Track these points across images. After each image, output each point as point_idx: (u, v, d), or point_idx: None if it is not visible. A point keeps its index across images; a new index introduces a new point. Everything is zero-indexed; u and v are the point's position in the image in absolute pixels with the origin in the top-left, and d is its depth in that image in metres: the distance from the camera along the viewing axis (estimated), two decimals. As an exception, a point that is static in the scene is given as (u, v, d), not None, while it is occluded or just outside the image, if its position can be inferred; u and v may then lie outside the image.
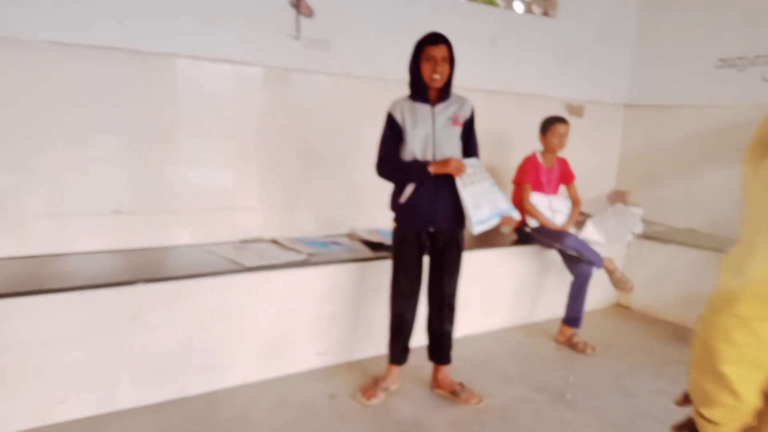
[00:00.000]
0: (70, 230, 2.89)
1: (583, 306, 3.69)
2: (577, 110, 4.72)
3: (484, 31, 4.20)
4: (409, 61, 2.65)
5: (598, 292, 4.21)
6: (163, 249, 3.10)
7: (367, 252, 3.31)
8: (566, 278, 3.82)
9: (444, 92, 2.66)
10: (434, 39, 2.57)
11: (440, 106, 2.66)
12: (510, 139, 4.44)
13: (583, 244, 3.63)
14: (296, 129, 3.50)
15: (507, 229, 3.70)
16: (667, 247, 4.29)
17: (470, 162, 2.68)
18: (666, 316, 4.26)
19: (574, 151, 4.00)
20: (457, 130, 2.69)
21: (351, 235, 3.70)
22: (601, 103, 4.98)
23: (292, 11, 3.31)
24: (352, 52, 3.60)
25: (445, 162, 2.59)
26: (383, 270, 3.15)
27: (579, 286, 3.67)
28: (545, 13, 4.58)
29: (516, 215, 2.78)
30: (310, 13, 3.35)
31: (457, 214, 2.70)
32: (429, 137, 2.64)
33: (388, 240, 3.41)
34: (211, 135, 3.24)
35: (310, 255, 3.11)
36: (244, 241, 3.35)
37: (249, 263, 2.84)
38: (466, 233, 2.80)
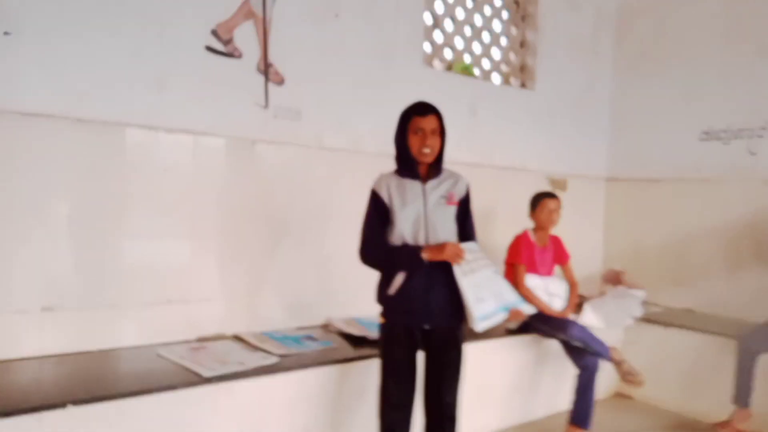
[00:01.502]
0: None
1: (593, 403, 3.26)
2: (560, 184, 4.49)
3: (462, 101, 3.98)
4: (395, 133, 2.34)
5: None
6: (102, 353, 2.55)
7: (347, 349, 2.84)
8: (565, 368, 3.43)
9: (435, 167, 2.34)
10: (422, 109, 2.29)
11: (432, 183, 2.33)
12: (493, 214, 4.14)
13: (589, 333, 3.26)
14: (262, 206, 3.09)
15: (514, 325, 3.31)
16: (667, 330, 3.97)
17: (469, 247, 2.31)
18: (670, 407, 3.86)
19: (555, 227, 3.70)
20: (452, 210, 2.35)
21: (327, 327, 3.23)
22: (582, 176, 4.78)
23: (260, 78, 2.98)
24: (325, 121, 3.28)
25: (441, 247, 2.22)
26: (367, 371, 2.69)
27: (586, 380, 3.25)
28: (523, 85, 4.43)
29: (527, 309, 2.39)
30: (280, 81, 3.03)
31: (455, 307, 2.30)
32: (420, 218, 2.28)
33: (371, 332, 2.98)
34: (163, 214, 2.80)
35: (282, 356, 2.62)
36: (202, 339, 2.83)
37: (208, 372, 2.32)
38: (466, 329, 2.38)
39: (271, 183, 3.11)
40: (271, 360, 2.55)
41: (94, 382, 2.22)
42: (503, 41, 4.34)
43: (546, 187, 4.34)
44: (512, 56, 4.40)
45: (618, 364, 3.43)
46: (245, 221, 3.04)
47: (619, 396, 4.16)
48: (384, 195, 2.31)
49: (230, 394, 2.35)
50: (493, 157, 4.15)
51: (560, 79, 4.56)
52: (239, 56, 2.93)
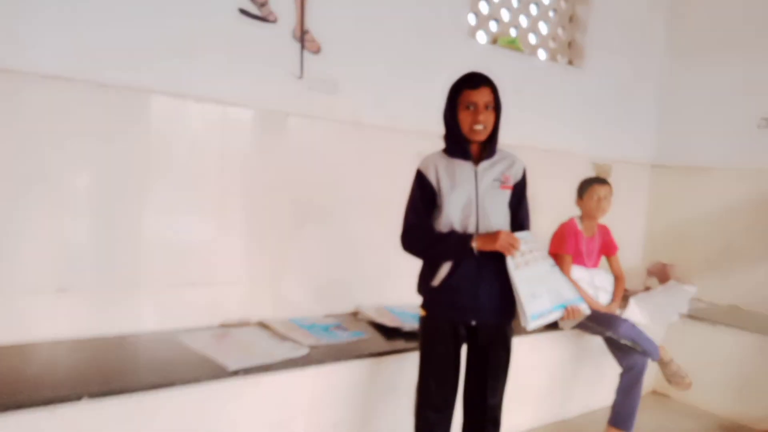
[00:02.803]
0: (-6, 315, 2.18)
1: (637, 405, 3.03)
2: (604, 170, 4.20)
3: (506, 78, 3.67)
4: (444, 108, 2.11)
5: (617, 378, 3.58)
6: (120, 339, 2.38)
7: (380, 342, 2.65)
8: (603, 365, 3.26)
9: (488, 147, 2.10)
10: (474, 81, 2.05)
11: (484, 164, 2.10)
12: (535, 200, 3.87)
13: (639, 331, 3.02)
14: (291, 184, 2.88)
15: (569, 324, 3.09)
16: (714, 328, 3.72)
17: (524, 237, 2.08)
18: (711, 408, 3.64)
19: (604, 216, 3.45)
20: (506, 195, 2.12)
21: (356, 315, 3.04)
22: (627, 162, 4.49)
23: (295, 45, 2.75)
24: (362, 96, 3.05)
25: (494, 236, 2.00)
26: (401, 366, 2.51)
27: (631, 380, 3.02)
28: (570, 62, 4.13)
29: (585, 308, 2.15)
30: (316, 49, 2.79)
31: (505, 303, 2.09)
32: (471, 202, 2.06)
33: (405, 323, 2.79)
34: (187, 190, 2.60)
35: (311, 347, 2.43)
36: (225, 326, 2.65)
37: (233, 365, 2.13)
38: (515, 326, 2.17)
39: (301, 159, 2.89)
40: (301, 352, 2.36)
41: (111, 372, 2.05)
42: (551, 15, 4.04)
43: (590, 173, 4.09)
44: (560, 31, 4.10)
45: (665, 364, 3.22)
46: (273, 199, 2.83)
47: (655, 394, 3.95)
48: (431, 176, 2.10)
49: (257, 389, 2.17)
50: (536, 139, 3.88)
51: (610, 58, 4.25)
52: (274, 21, 2.69)
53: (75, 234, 2.35)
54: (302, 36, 2.74)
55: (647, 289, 3.88)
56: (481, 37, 3.65)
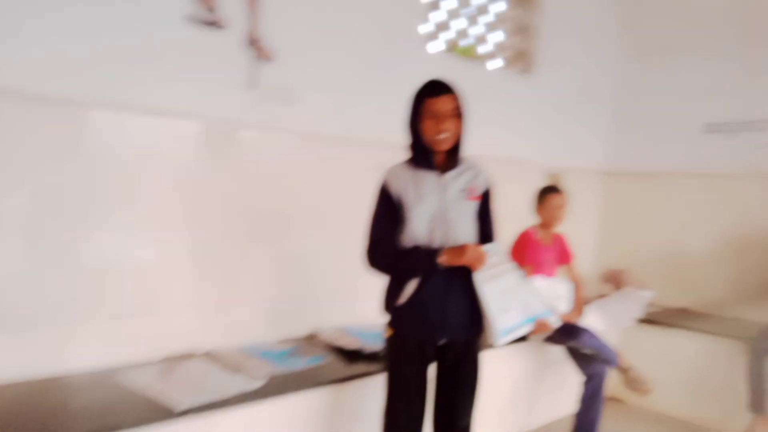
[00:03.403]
0: None
1: (600, 413, 3.03)
2: (557, 178, 4.22)
3: (463, 86, 3.64)
4: (408, 117, 2.02)
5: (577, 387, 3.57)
6: (51, 382, 2.13)
7: (341, 366, 2.51)
8: (564, 375, 3.28)
9: (453, 156, 2.03)
10: (436, 89, 1.98)
11: (450, 174, 2.03)
12: (491, 210, 3.84)
13: (600, 340, 3.01)
14: (243, 201, 2.70)
15: (538, 338, 3.03)
16: (667, 331, 3.77)
17: (492, 249, 2.01)
18: (668, 411, 3.68)
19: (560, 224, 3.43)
20: (472, 206, 2.05)
21: (313, 338, 2.88)
22: (579, 169, 4.52)
23: (247, 53, 2.57)
24: (319, 106, 2.90)
25: (461, 250, 1.92)
26: (365, 391, 2.39)
27: (594, 388, 3.03)
28: (524, 71, 4.11)
29: (554, 321, 2.09)
30: (269, 58, 2.62)
31: (473, 318, 2.01)
32: (438, 215, 1.98)
33: (365, 344, 2.65)
34: (128, 211, 2.38)
35: (266, 378, 2.25)
36: (171, 359, 2.44)
37: (182, 404, 1.94)
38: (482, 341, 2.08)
39: (255, 174, 2.72)
40: (256, 383, 2.18)
41: (40, 421, 1.81)
42: (504, 24, 4.01)
43: (544, 181, 4.08)
44: (513, 40, 4.07)
45: (625, 371, 3.22)
46: (222, 218, 2.64)
47: (611, 400, 3.95)
48: (395, 189, 2.00)
49: (210, 429, 1.99)
50: (491, 147, 3.82)
51: (562, 66, 4.27)
52: (223, 27, 2.51)
53: (1, 261, 2.09)
54: (254, 43, 2.57)
55: (602, 295, 3.90)
56: (438, 45, 3.57)
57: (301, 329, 2.93)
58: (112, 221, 2.34)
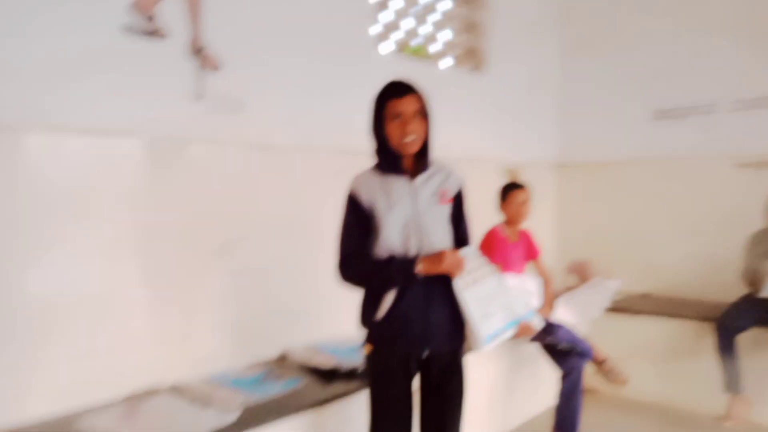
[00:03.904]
0: None
1: (581, 407, 3.00)
2: (515, 174, 4.21)
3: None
4: (371, 122, 1.92)
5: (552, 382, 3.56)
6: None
7: (318, 388, 2.37)
8: (539, 371, 3.28)
9: (422, 158, 1.94)
10: (399, 90, 1.89)
11: (420, 178, 1.94)
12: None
13: (574, 333, 2.99)
14: (196, 219, 2.52)
15: (523, 342, 2.96)
16: (635, 318, 3.81)
17: (469, 253, 1.94)
18: (643, 397, 3.71)
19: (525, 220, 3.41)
20: (445, 210, 1.97)
21: (285, 360, 2.73)
22: (533, 163, 4.53)
23: (191, 63, 2.41)
24: (271, 115, 2.76)
25: (439, 257, 1.83)
26: (346, 411, 2.27)
27: (572, 383, 3.00)
28: (475, 68, 4.08)
29: (537, 322, 2.04)
30: (215, 66, 2.47)
31: (456, 326, 1.93)
32: (410, 221, 1.88)
33: (342, 361, 2.53)
34: (70, 238, 2.17)
35: (241, 408, 2.10)
36: (134, 398, 2.24)
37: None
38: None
39: (207, 191, 2.55)
40: (231, 416, 2.02)
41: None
42: (452, 22, 3.97)
43: (502, 177, 4.07)
44: (462, 38, 4.04)
45: (601, 363, 3.22)
46: (175, 240, 2.45)
47: (585, 392, 3.98)
48: (364, 198, 1.89)
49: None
50: (448, 147, 3.77)
51: (511, 62, 4.28)
52: (164, 37, 2.34)
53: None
54: (199, 52, 2.41)
55: (570, 288, 3.91)
56: (389, 46, 3.49)
57: (271, 351, 2.78)
58: (56, 252, 2.13)
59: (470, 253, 1.94)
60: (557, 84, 4.72)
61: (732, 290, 3.46)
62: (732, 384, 3.18)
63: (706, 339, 3.38)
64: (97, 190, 2.23)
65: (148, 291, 2.38)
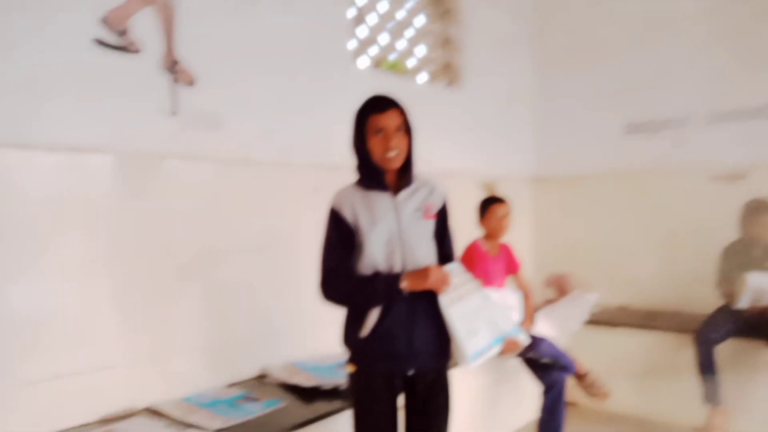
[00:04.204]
0: None
1: (563, 421, 2.99)
2: (492, 188, 4.23)
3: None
4: (352, 137, 1.90)
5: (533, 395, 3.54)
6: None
7: (300, 408, 2.31)
8: (521, 386, 3.26)
9: (405, 174, 1.92)
10: (380, 104, 1.87)
11: (404, 194, 1.91)
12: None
13: (557, 347, 2.99)
14: (171, 236, 2.46)
15: (509, 358, 2.94)
16: (614, 331, 3.82)
17: (454, 269, 1.92)
18: (623, 410, 3.70)
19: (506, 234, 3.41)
20: (429, 225, 1.94)
21: (264, 379, 2.67)
22: (510, 177, 4.56)
23: (165, 78, 2.37)
24: (248, 130, 2.73)
25: (423, 273, 1.81)
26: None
27: (555, 397, 2.98)
28: (450, 84, 4.11)
29: (523, 338, 2.02)
30: (190, 81, 2.43)
31: (441, 343, 1.90)
32: (394, 237, 1.85)
33: (323, 380, 2.48)
34: (41, 259, 2.10)
35: (220, 431, 2.03)
36: (106, 420, 2.16)
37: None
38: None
39: (181, 208, 2.49)
40: (209, 440, 1.96)
41: None
42: (427, 37, 4.00)
43: (479, 192, 4.08)
44: (437, 53, 4.07)
45: (582, 376, 3.21)
46: (149, 258, 2.39)
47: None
48: (347, 214, 1.86)
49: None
50: (426, 161, 3.77)
51: (486, 77, 4.31)
52: (137, 51, 2.30)
53: None
54: (172, 66, 2.37)
55: (549, 301, 3.91)
56: (365, 62, 3.49)
57: (249, 370, 2.71)
58: (23, 271, 2.05)
59: (455, 268, 1.92)
60: (533, 98, 4.76)
61: (708, 302, 3.50)
62: (711, 395, 3.19)
63: (684, 351, 3.39)
64: (69, 207, 2.16)
65: (122, 309, 2.31)
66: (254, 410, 2.24)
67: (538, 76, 4.75)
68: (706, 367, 3.20)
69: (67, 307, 2.16)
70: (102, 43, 2.20)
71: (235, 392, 2.46)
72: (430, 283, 1.80)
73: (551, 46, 4.68)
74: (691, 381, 3.30)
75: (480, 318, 1.91)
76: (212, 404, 2.30)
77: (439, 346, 1.89)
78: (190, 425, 2.08)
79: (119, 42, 2.24)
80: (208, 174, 2.58)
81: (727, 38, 3.83)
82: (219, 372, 2.60)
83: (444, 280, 1.83)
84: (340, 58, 3.24)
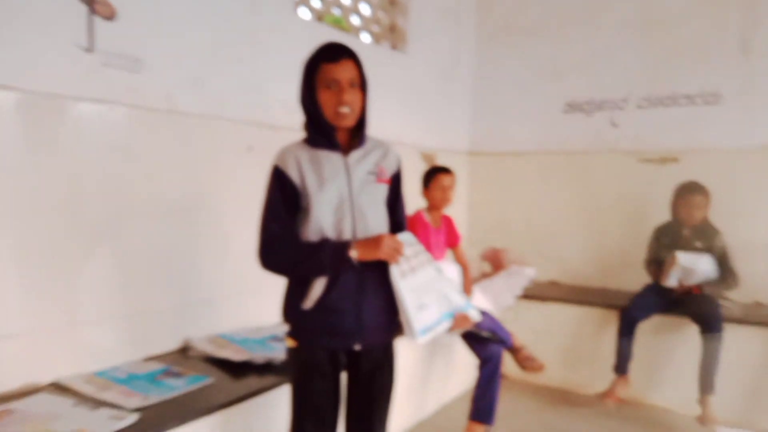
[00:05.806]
0: None
1: (497, 395, 2.96)
2: (429, 159, 4.13)
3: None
4: (300, 89, 1.71)
5: (464, 367, 3.54)
6: None
7: (231, 384, 2.12)
8: (453, 358, 3.24)
9: (358, 133, 1.76)
10: (333, 53, 1.69)
11: (356, 155, 1.75)
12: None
13: (496, 321, 2.94)
14: (82, 191, 2.16)
15: (457, 333, 2.83)
16: (543, 305, 3.86)
17: (407, 239, 1.79)
18: (545, 381, 3.77)
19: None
20: (382, 190, 1.80)
21: (188, 352, 2.44)
22: (447, 151, 4.47)
23: (81, 9, 2.04)
24: (175, 76, 2.43)
25: (376, 242, 1.66)
26: (263, 410, 2.05)
27: (491, 371, 2.94)
28: (394, 47, 3.93)
29: (474, 314, 1.92)
30: (110, 14, 2.11)
31: (390, 318, 1.78)
32: (345, 201, 1.70)
33: (255, 353, 2.29)
34: None
35: (138, 409, 1.81)
36: (6, 397, 1.87)
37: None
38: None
39: (94, 159, 2.18)
40: (126, 420, 1.73)
41: None
42: (372, -4, 3.79)
43: (420, 163, 3.96)
44: (382, 14, 3.86)
45: (517, 350, 3.21)
46: (56, 214, 2.08)
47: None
48: (293, 173, 1.68)
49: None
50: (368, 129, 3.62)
51: (430, 45, 4.16)
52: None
53: None
54: (90, -7, 2.05)
55: (485, 275, 3.90)
56: (305, 13, 3.24)
57: (169, 342, 2.47)
58: None
59: (407, 238, 1.79)
60: (474, 71, 4.67)
61: (634, 280, 3.60)
62: (621, 365, 3.30)
63: (610, 326, 3.48)
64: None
65: (21, 271, 2.01)
66: (177, 386, 2.02)
67: (480, 49, 4.65)
68: (625, 339, 3.30)
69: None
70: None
71: (154, 366, 2.22)
72: (382, 253, 1.66)
73: (494, 17, 4.58)
74: (608, 354, 3.39)
75: (431, 292, 1.81)
76: (128, 380, 2.06)
77: (387, 320, 1.77)
78: (103, 403, 1.84)
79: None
80: (125, 122, 2.26)
81: (666, 25, 3.88)
82: (135, 344, 2.34)
83: (397, 251, 1.70)
84: (281, 5, 2.97)
